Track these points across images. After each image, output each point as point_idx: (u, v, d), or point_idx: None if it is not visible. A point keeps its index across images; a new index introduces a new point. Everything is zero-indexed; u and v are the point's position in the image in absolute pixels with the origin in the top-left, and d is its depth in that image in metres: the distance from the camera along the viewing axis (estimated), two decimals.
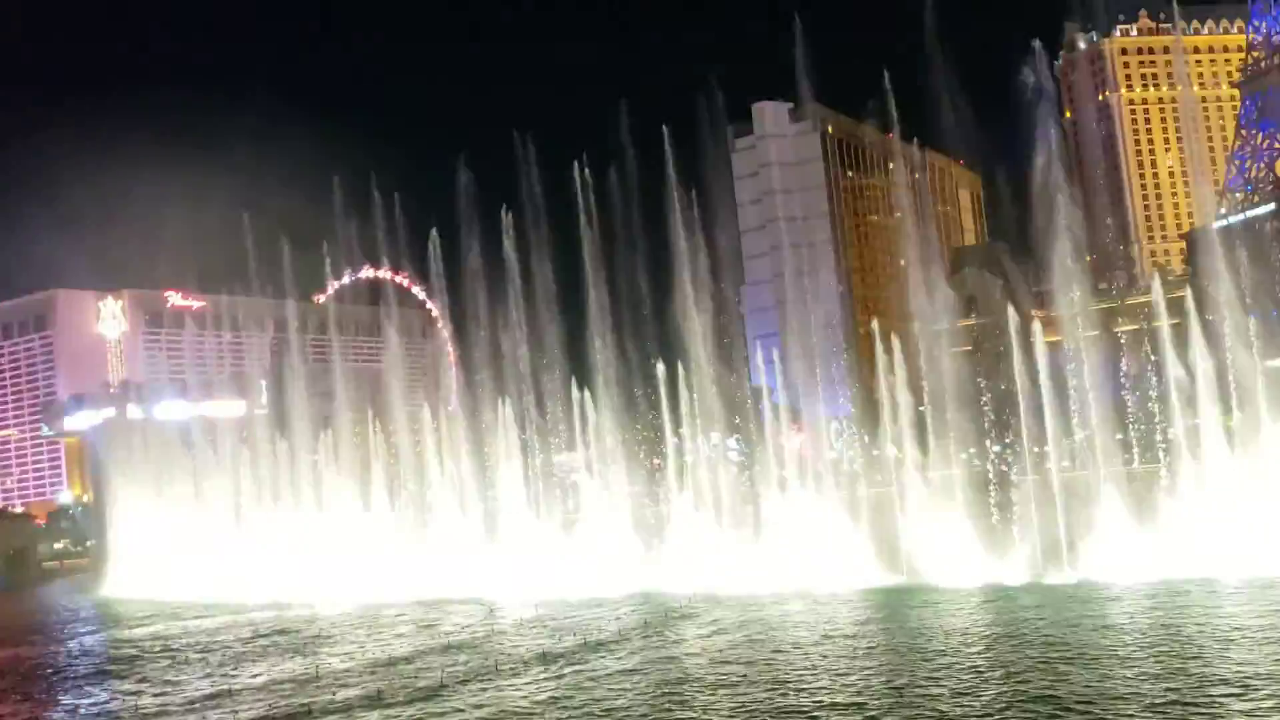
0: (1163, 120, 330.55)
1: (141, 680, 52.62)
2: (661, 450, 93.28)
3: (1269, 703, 30.08)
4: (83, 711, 45.94)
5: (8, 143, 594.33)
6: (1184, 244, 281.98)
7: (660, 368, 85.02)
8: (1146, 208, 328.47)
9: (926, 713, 32.34)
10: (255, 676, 50.96)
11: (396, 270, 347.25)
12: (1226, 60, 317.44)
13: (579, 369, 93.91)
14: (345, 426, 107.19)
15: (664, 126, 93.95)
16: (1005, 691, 34.03)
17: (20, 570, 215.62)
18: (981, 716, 31.42)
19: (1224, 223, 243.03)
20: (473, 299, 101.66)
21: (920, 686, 35.76)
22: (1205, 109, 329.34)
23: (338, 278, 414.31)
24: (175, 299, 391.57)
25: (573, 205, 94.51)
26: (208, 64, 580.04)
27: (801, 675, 39.16)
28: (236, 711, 41.69)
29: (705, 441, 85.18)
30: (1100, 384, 76.96)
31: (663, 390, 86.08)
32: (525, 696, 40.03)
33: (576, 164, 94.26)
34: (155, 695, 47.56)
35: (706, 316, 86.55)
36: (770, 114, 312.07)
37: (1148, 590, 52.66)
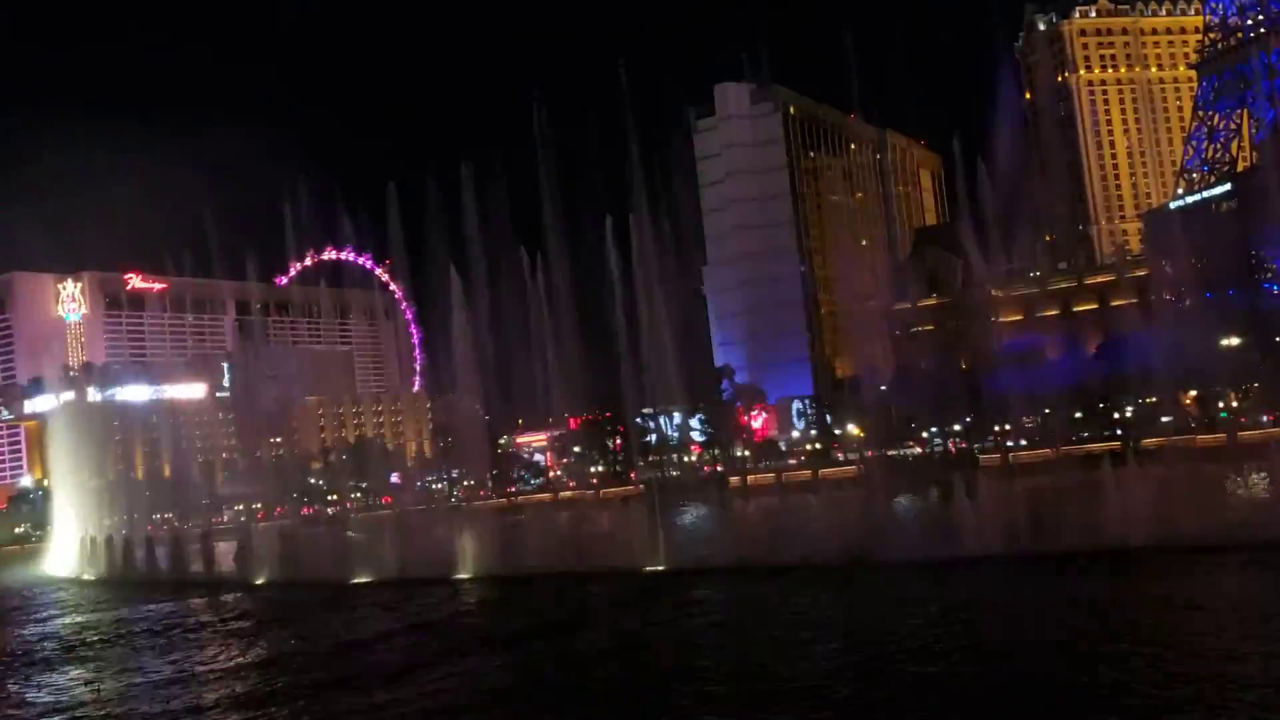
0: (1121, 101, 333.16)
1: (102, 664, 52.39)
2: (621, 430, 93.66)
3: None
4: (43, 697, 45.65)
5: None
6: (1142, 224, 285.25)
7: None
8: (1105, 188, 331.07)
9: (889, 694, 32.70)
10: (218, 660, 50.84)
11: (359, 253, 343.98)
12: (1184, 42, 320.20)
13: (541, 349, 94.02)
14: (308, 407, 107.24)
15: (627, 111, 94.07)
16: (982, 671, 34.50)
17: None
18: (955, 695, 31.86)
19: (1181, 203, 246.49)
20: (435, 279, 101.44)
21: (890, 665, 36.04)
22: (1163, 90, 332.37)
23: (299, 259, 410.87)
24: (135, 281, 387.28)
25: (535, 174, 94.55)
26: (166, 41, 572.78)
27: (769, 656, 39.23)
28: (200, 695, 41.60)
29: (669, 420, 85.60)
30: (1060, 362, 77.79)
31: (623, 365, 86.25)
32: (492, 678, 40.19)
33: (535, 112, 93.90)
34: (116, 680, 47.37)
35: (669, 296, 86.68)
36: (732, 95, 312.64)
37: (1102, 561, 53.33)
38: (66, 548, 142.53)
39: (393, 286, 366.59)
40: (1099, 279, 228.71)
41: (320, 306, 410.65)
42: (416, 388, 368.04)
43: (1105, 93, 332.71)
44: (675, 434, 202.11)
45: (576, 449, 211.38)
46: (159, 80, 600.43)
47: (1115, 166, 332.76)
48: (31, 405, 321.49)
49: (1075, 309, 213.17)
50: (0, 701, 45.25)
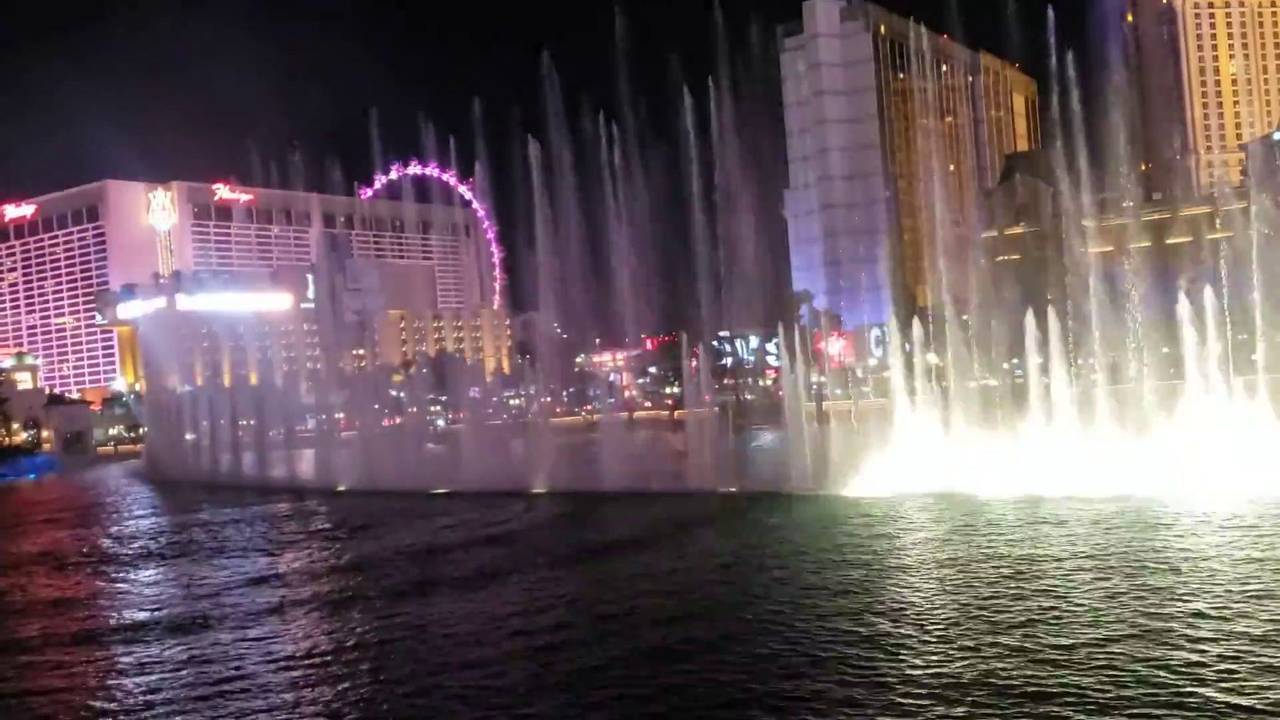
0: (1229, 25, 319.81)
1: (193, 562, 54.43)
2: (696, 352, 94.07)
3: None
4: (144, 591, 47.73)
5: (58, 31, 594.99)
6: (1243, 155, 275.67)
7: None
8: (1206, 116, 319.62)
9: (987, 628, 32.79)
10: (301, 561, 52.65)
11: (443, 168, 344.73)
12: None
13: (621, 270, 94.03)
14: (390, 319, 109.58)
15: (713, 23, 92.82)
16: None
17: (77, 454, 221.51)
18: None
19: None
20: (517, 196, 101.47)
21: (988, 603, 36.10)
22: (1274, 15, 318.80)
23: (384, 173, 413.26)
24: (223, 191, 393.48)
25: (617, 104, 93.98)
26: None
27: (851, 588, 39.29)
28: (284, 594, 43.15)
29: (745, 344, 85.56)
30: (1149, 296, 76.02)
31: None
32: (555, 589, 41.05)
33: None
34: (204, 576, 49.27)
35: (749, 218, 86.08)
36: (821, 13, 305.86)
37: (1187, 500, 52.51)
38: (157, 450, 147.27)
39: (475, 204, 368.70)
40: (1195, 211, 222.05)
41: (403, 221, 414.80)
42: (496, 305, 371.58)
43: (1212, 15, 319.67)
44: (751, 358, 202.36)
45: (653, 369, 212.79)
46: None
47: (1218, 94, 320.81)
48: (124, 311, 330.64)
49: (1169, 241, 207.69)
50: (99, 593, 47.40)
